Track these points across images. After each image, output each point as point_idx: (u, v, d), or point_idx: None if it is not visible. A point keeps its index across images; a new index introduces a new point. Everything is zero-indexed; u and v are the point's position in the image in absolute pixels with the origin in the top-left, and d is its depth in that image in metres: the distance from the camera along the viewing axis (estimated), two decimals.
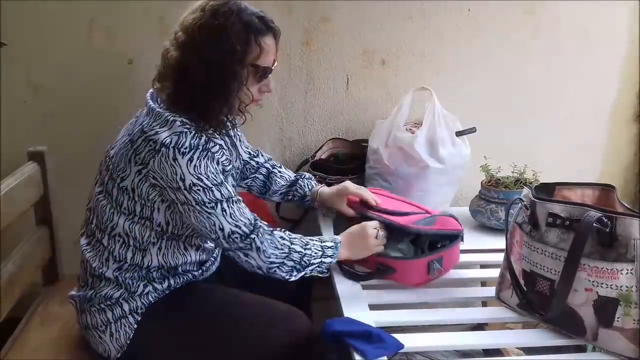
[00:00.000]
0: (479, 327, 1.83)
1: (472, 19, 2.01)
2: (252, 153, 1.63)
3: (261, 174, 1.62)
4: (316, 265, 1.33)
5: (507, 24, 2.04)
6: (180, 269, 1.36)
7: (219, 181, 1.24)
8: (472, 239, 1.61)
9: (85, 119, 1.93)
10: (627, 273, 1.09)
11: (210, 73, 1.22)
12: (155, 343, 1.30)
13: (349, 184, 1.56)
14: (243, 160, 1.57)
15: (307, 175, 1.65)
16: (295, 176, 1.64)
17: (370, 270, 1.42)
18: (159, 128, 1.22)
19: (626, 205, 1.21)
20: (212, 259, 1.46)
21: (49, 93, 1.91)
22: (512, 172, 1.79)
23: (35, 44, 1.86)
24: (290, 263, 1.30)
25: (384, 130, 1.81)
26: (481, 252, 1.60)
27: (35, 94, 1.90)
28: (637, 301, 1.09)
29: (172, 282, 1.34)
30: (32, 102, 1.91)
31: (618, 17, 2.08)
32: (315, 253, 1.33)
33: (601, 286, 1.11)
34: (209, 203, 1.22)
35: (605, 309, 1.11)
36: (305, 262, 1.31)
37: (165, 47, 1.29)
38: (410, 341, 1.19)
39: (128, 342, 1.30)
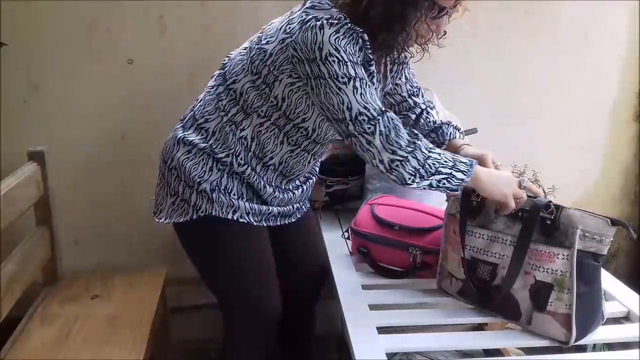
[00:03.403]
0: (479, 327, 1.83)
1: (472, 19, 2.01)
2: (413, 91, 1.54)
3: (414, 113, 1.53)
4: (445, 176, 1.22)
5: (507, 24, 2.04)
6: (264, 160, 1.36)
7: (356, 60, 1.20)
8: None
9: (85, 119, 1.93)
10: (562, 258, 1.15)
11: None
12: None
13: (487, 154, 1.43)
14: (401, 96, 1.53)
15: (455, 124, 1.52)
16: (441, 122, 1.51)
17: (404, 270, 1.44)
18: (318, 3, 1.24)
19: None
20: (300, 188, 1.48)
21: (49, 93, 1.91)
22: (512, 172, 1.78)
23: (35, 44, 1.86)
24: (414, 163, 1.20)
25: None
26: None
27: (35, 94, 1.90)
28: (570, 287, 1.14)
29: (241, 187, 1.36)
30: (32, 102, 1.91)
31: (618, 17, 2.08)
32: (445, 161, 1.22)
33: (538, 270, 1.18)
34: (341, 78, 1.18)
35: (541, 293, 1.18)
36: (430, 166, 1.21)
37: None
38: (410, 341, 1.20)
39: (180, 220, 1.36)
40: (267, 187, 1.37)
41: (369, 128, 1.20)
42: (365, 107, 1.20)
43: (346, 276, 1.45)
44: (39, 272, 1.70)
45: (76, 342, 1.47)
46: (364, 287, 1.40)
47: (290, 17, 1.25)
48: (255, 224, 1.38)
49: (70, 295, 1.70)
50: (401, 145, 1.20)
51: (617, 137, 2.21)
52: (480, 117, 1.95)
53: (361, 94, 1.20)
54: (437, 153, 1.23)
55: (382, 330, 1.21)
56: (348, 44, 1.19)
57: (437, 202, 1.71)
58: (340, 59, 1.17)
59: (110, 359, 1.41)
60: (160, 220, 1.39)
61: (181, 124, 1.41)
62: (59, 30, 1.86)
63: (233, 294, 1.42)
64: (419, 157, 1.21)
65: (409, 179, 1.21)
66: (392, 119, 1.22)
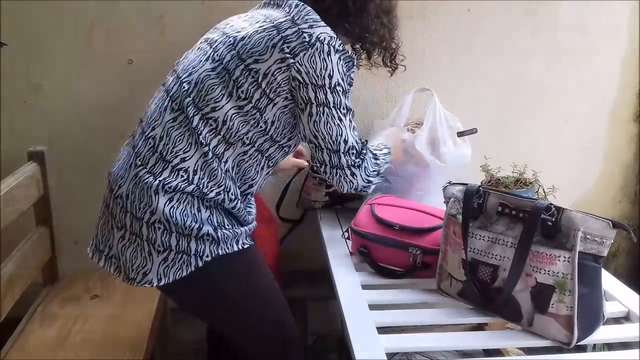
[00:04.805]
0: (479, 327, 1.83)
1: (472, 19, 2.01)
2: None
3: None
4: (382, 173, 1.39)
5: (507, 24, 2.04)
6: (244, 188, 1.28)
7: (350, 89, 1.24)
8: None
9: (85, 119, 1.93)
10: (564, 260, 1.14)
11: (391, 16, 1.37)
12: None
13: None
14: None
15: None
16: None
17: (404, 270, 1.44)
18: (313, 22, 1.20)
19: None
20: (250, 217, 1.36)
21: (49, 93, 1.91)
22: (512, 172, 1.79)
23: (35, 44, 1.86)
24: (376, 179, 1.34)
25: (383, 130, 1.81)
26: None
27: (35, 94, 1.90)
28: (571, 289, 1.14)
29: (224, 218, 1.24)
30: (32, 102, 1.91)
31: (618, 17, 2.08)
32: (384, 162, 1.39)
33: (540, 272, 1.17)
34: (343, 109, 1.21)
35: (542, 295, 1.18)
36: (382, 167, 1.38)
37: None
38: (410, 341, 1.20)
39: (182, 275, 1.19)
40: (249, 211, 1.32)
41: (358, 162, 1.26)
42: (356, 141, 1.25)
43: (346, 276, 1.45)
44: (39, 272, 1.70)
45: (76, 342, 1.47)
46: (364, 287, 1.40)
47: (284, 34, 1.18)
48: (253, 244, 1.31)
49: (70, 295, 1.70)
50: (377, 172, 1.33)
51: (617, 137, 2.21)
52: (480, 117, 1.95)
53: (353, 128, 1.24)
54: (382, 158, 1.37)
55: (382, 330, 1.21)
56: (347, 70, 1.21)
57: (437, 203, 1.71)
58: (345, 89, 1.20)
59: (110, 359, 1.42)
60: (152, 285, 1.20)
61: (144, 170, 1.21)
62: (59, 30, 1.86)
63: (264, 324, 1.31)
64: (381, 173, 1.36)
65: (370, 192, 1.41)
66: (370, 150, 1.33)
